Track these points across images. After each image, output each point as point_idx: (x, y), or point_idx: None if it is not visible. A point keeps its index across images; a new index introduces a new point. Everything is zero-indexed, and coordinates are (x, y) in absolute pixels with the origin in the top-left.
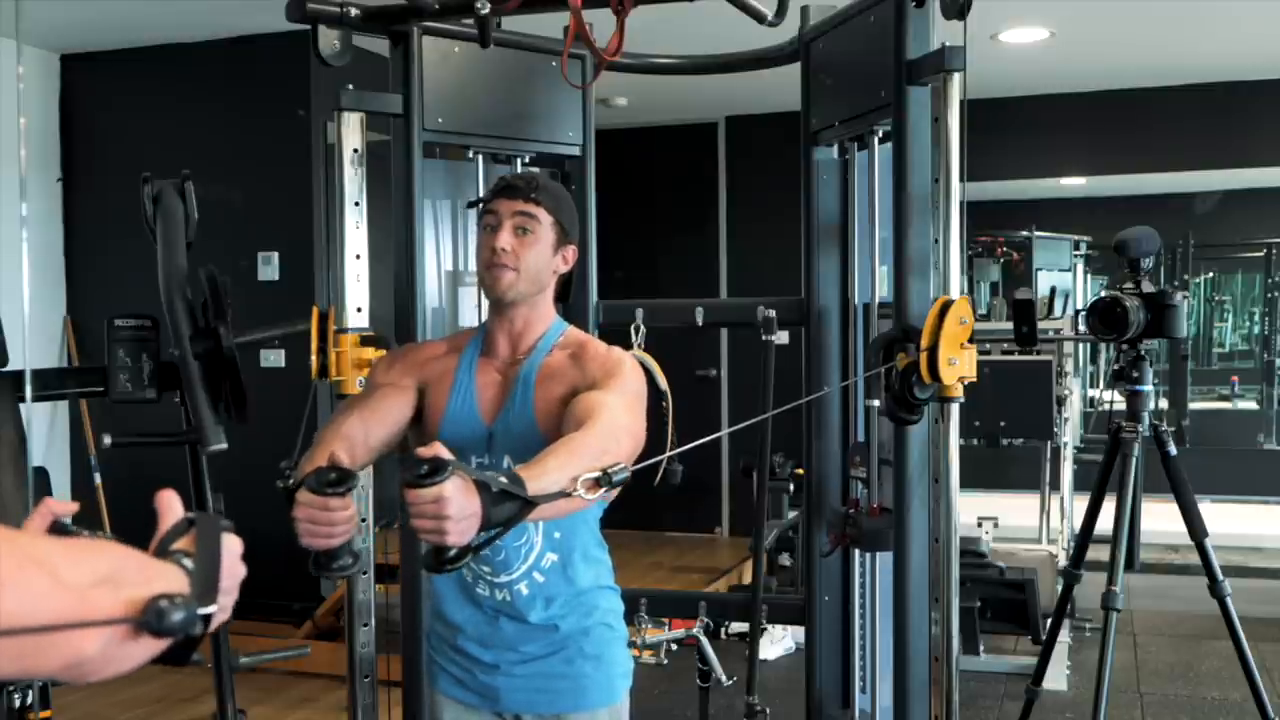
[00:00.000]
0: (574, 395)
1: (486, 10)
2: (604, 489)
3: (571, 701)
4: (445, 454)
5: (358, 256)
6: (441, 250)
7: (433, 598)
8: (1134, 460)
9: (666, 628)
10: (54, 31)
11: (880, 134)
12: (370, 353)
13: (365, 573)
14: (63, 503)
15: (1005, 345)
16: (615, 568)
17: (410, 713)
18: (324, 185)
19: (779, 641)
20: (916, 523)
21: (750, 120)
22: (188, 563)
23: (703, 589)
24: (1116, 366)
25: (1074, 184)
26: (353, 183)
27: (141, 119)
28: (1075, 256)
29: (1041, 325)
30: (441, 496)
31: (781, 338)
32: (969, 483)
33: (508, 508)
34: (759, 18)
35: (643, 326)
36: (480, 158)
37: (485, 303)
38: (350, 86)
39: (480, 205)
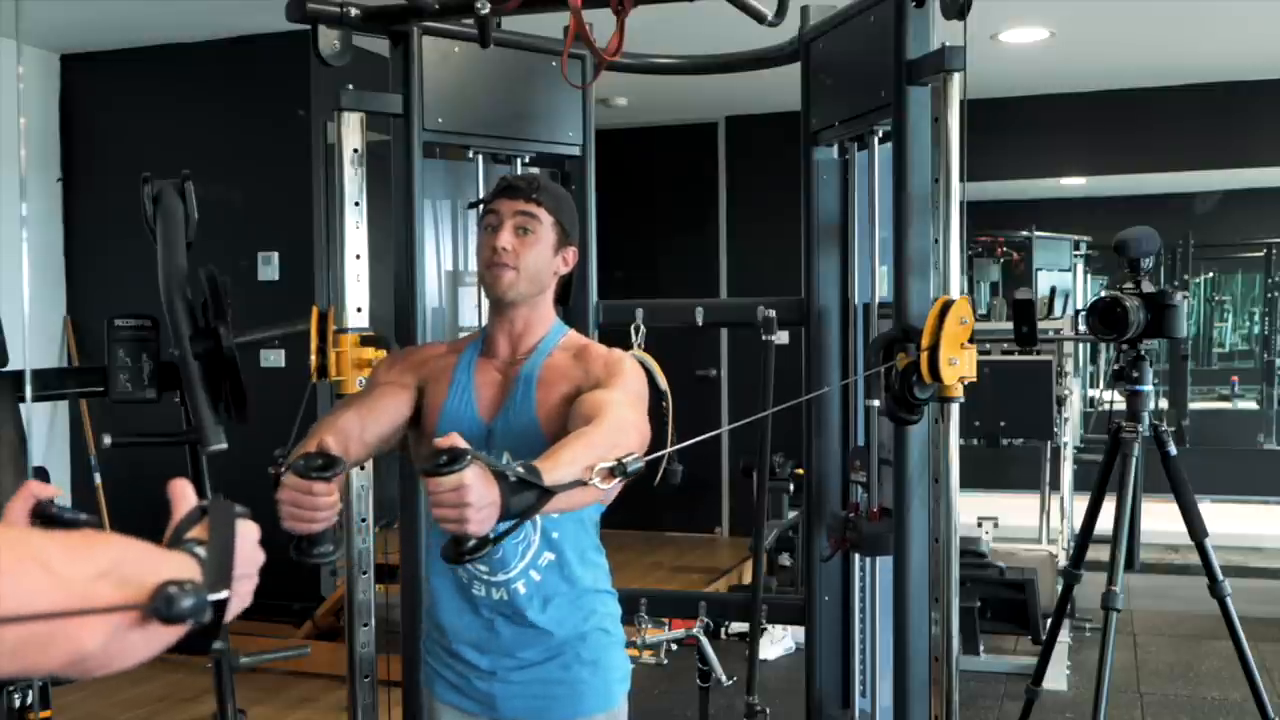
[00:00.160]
0: (577, 395)
1: (486, 10)
2: (618, 478)
3: (569, 708)
4: (462, 444)
5: (358, 256)
6: (441, 250)
7: (428, 602)
8: (1134, 460)
9: (666, 628)
10: (54, 31)
11: (880, 134)
12: (370, 353)
13: (365, 572)
14: (45, 485)
15: (1005, 345)
16: (615, 568)
17: (410, 713)
18: (324, 185)
19: (779, 641)
20: (916, 523)
21: (750, 120)
22: (200, 550)
23: (703, 589)
24: (1116, 366)
25: (1074, 184)
26: (353, 183)
27: (141, 119)
28: (1075, 256)
29: (1041, 325)
30: (463, 484)
31: (781, 338)
32: (969, 483)
33: (526, 497)
34: (759, 18)
35: (643, 326)
36: (480, 158)
37: (485, 303)
38: (350, 86)
39: (481, 205)
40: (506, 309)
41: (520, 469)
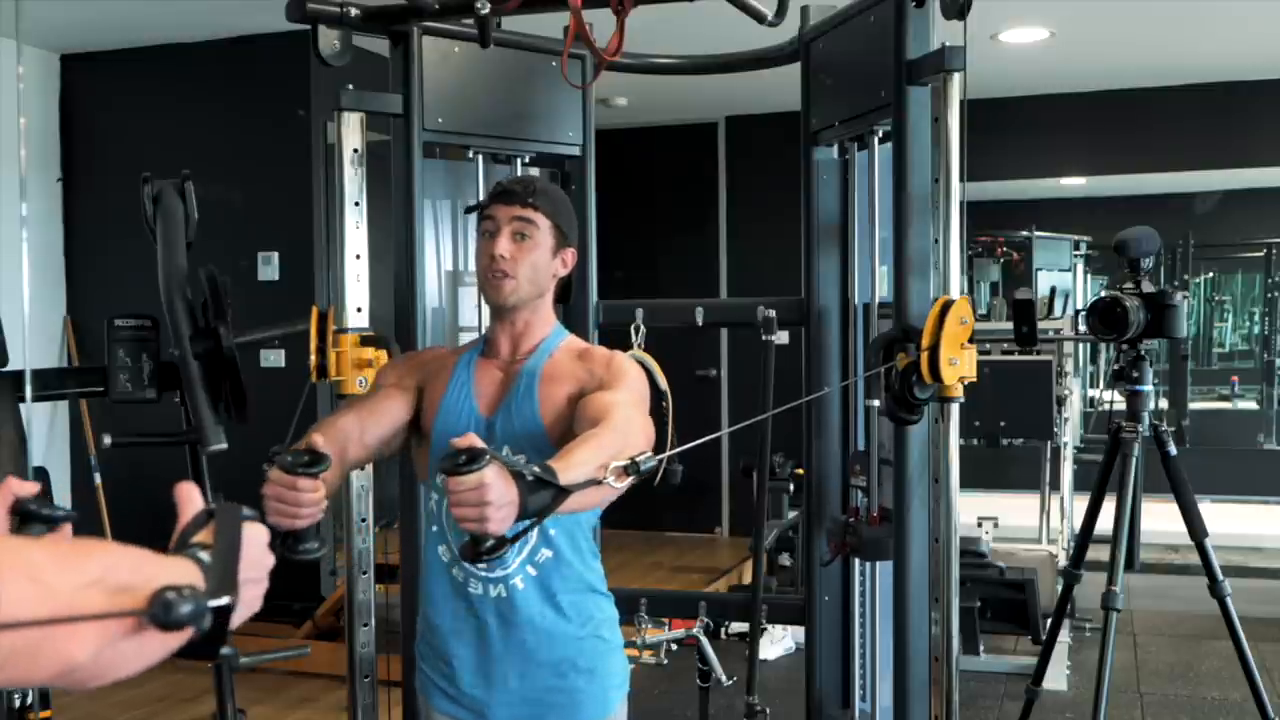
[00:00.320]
0: (581, 396)
1: (486, 10)
2: (632, 477)
3: (565, 717)
4: (480, 443)
5: (358, 256)
6: (441, 250)
7: (422, 605)
8: (1134, 460)
9: (666, 628)
10: (54, 31)
11: (880, 134)
12: (370, 353)
13: (365, 572)
14: (24, 483)
15: (1005, 345)
16: (615, 568)
17: (410, 713)
18: (324, 185)
19: (779, 641)
20: (916, 523)
21: (750, 120)
22: (204, 555)
23: (703, 589)
24: (1116, 366)
25: (1074, 184)
26: (353, 183)
27: (141, 119)
28: (1075, 256)
29: (1041, 325)
30: (483, 483)
31: (781, 338)
32: (969, 483)
33: (543, 496)
34: (759, 18)
35: (643, 326)
36: (480, 158)
37: (485, 305)
38: (350, 86)
39: (478, 210)
40: (507, 313)
41: (536, 468)
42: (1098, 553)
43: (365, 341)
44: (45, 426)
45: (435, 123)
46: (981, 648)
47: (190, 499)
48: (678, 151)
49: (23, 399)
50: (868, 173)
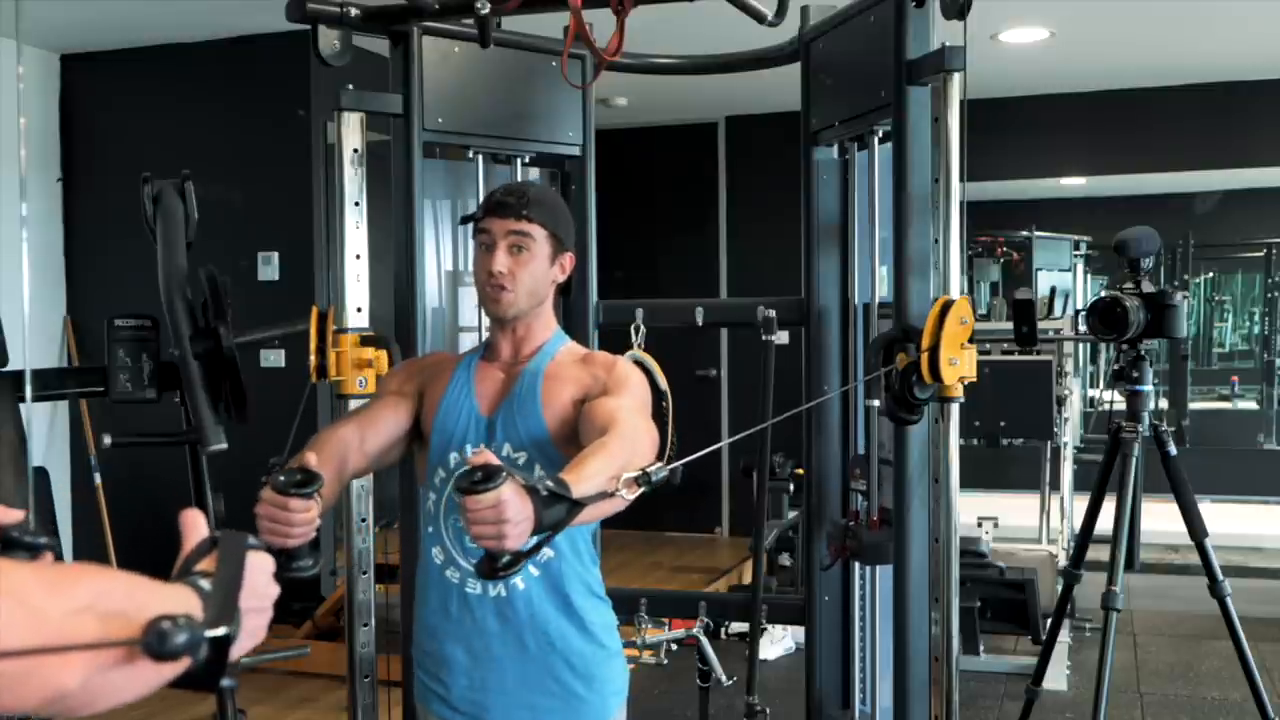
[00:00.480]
0: (584, 398)
1: (486, 10)
2: (643, 488)
3: None
4: (494, 460)
5: (358, 256)
6: (441, 250)
7: (417, 609)
8: (1134, 460)
9: (666, 628)
10: (54, 31)
11: (880, 134)
12: (370, 353)
13: (365, 572)
14: (9, 510)
15: (1005, 345)
16: (615, 568)
17: (410, 713)
18: (324, 185)
19: (779, 641)
20: (916, 523)
21: (750, 120)
22: (204, 584)
23: (703, 589)
24: (1116, 366)
25: (1074, 184)
26: (353, 183)
27: (141, 119)
28: (1075, 256)
29: (1041, 325)
30: (500, 500)
31: (781, 338)
32: (969, 483)
33: (557, 510)
34: (759, 18)
35: (643, 326)
36: (480, 158)
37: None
38: (350, 86)
39: (473, 222)
40: (508, 323)
41: (550, 483)
42: (1098, 553)
43: (365, 341)
44: (45, 426)
45: (435, 123)
46: (981, 648)
47: (195, 526)
48: (678, 151)
49: (23, 399)
50: (868, 173)
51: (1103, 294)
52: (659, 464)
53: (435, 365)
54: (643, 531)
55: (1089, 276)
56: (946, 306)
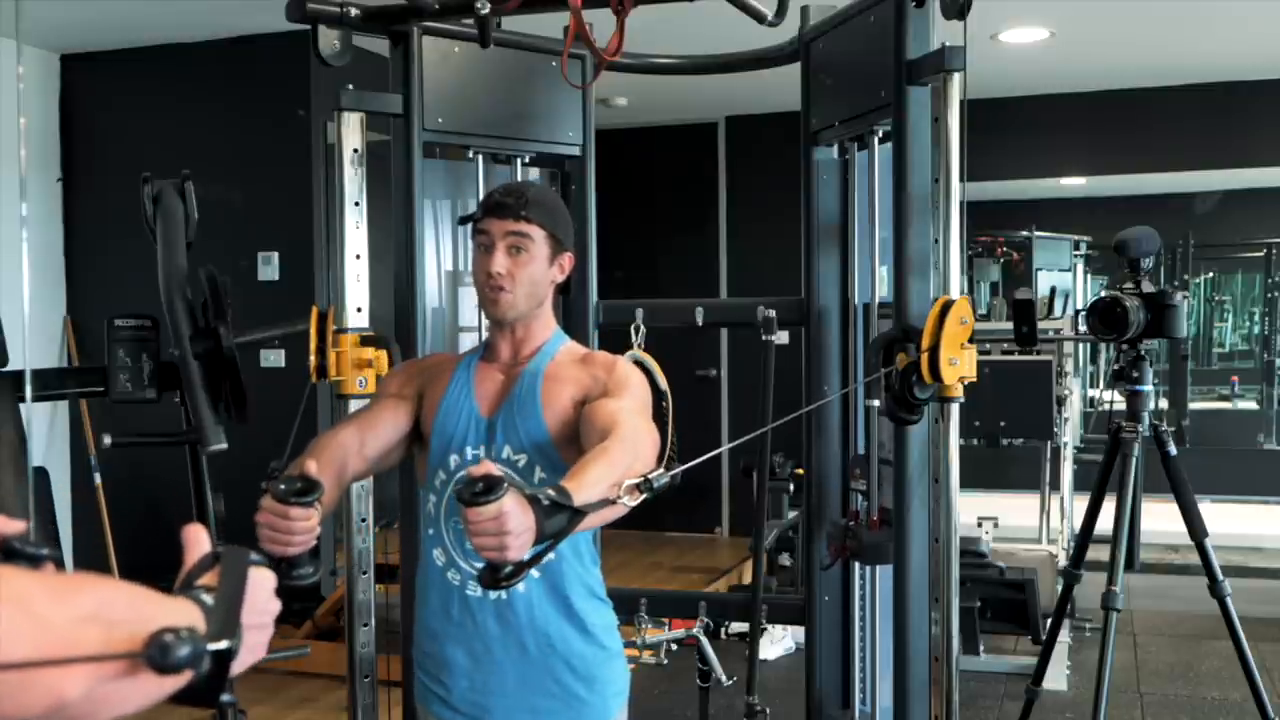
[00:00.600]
0: (585, 399)
1: (486, 10)
2: (644, 495)
3: None
4: (496, 471)
5: (358, 256)
6: (441, 250)
7: (418, 610)
8: (1134, 460)
9: (666, 628)
10: (54, 31)
11: (880, 134)
12: (370, 353)
13: (365, 572)
14: (10, 521)
15: (1005, 345)
16: (615, 568)
17: (410, 713)
18: (324, 185)
19: (779, 641)
20: (916, 523)
21: (750, 120)
22: (207, 598)
23: (703, 589)
24: (1116, 366)
25: (1074, 184)
26: (353, 183)
27: (141, 119)
28: (1075, 256)
29: (1041, 325)
30: (502, 513)
31: (781, 338)
32: (969, 483)
33: (559, 519)
34: (759, 18)
35: (643, 326)
36: (480, 158)
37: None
38: (350, 86)
39: (471, 222)
40: (507, 324)
41: (552, 492)
42: (1098, 553)
43: (365, 341)
44: (45, 426)
45: (435, 123)
46: (981, 648)
47: (197, 541)
48: (678, 151)
49: (23, 399)
50: (868, 173)
51: (1103, 294)
52: (660, 470)
53: (435, 366)
54: (643, 531)
55: (1089, 276)
56: (946, 306)
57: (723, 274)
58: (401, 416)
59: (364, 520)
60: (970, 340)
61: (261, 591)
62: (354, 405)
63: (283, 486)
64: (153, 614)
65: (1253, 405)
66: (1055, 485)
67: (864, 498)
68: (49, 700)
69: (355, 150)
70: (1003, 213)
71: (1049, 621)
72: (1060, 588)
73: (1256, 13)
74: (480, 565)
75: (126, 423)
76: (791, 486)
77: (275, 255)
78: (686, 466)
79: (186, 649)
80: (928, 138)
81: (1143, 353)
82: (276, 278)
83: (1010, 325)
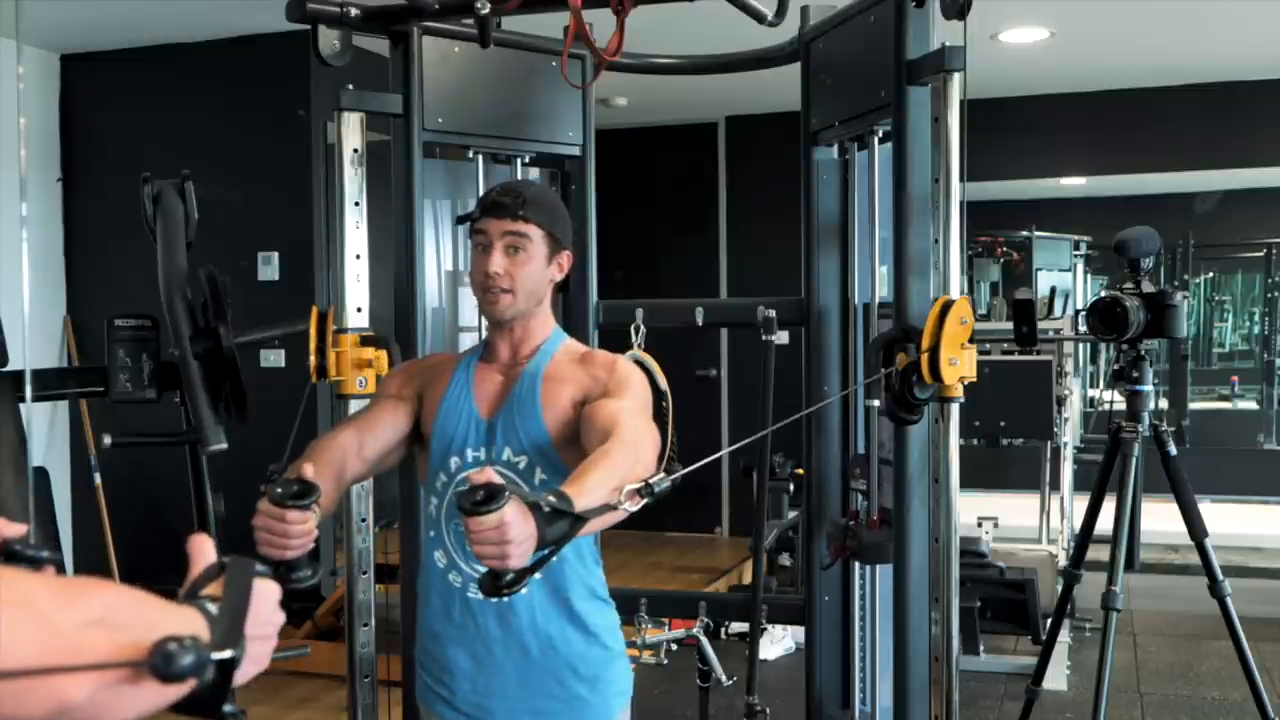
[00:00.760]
0: (585, 400)
1: (486, 10)
2: (645, 499)
3: None
4: (497, 479)
5: (358, 256)
6: (441, 250)
7: (420, 610)
8: (1134, 460)
9: (666, 628)
10: (54, 31)
11: (880, 134)
12: (370, 353)
13: (365, 572)
14: (11, 524)
15: (1005, 345)
16: (615, 568)
17: (410, 713)
18: (324, 185)
19: (779, 641)
20: (916, 523)
21: (750, 120)
22: (211, 607)
23: (703, 589)
24: (1116, 366)
25: (1074, 184)
26: (353, 183)
27: (141, 119)
28: (1075, 256)
29: (1041, 325)
30: (504, 521)
31: (781, 338)
32: (969, 483)
33: (560, 526)
34: (759, 18)
35: (643, 326)
36: (480, 158)
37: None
38: (350, 86)
39: (469, 222)
40: (506, 323)
41: (553, 499)
42: (1098, 553)
43: (365, 341)
44: (45, 426)
45: (435, 123)
46: (981, 648)
47: (203, 552)
48: (678, 151)
49: (23, 399)
50: (868, 173)
51: (1103, 294)
52: (661, 474)
53: (434, 367)
54: (643, 531)
55: (1089, 276)
56: (946, 306)
57: (723, 274)
58: (401, 417)
59: (364, 520)
60: (970, 340)
61: (266, 603)
62: (354, 405)
63: (279, 490)
64: (157, 621)
65: (1253, 405)
66: (1055, 485)
67: (864, 498)
68: (52, 703)
69: (355, 150)
70: (1003, 213)
71: (1049, 621)
72: (1060, 588)
73: (1256, 13)
74: (482, 569)
75: (126, 423)
76: (791, 486)
77: (275, 255)
78: (687, 471)
79: (190, 658)
80: (928, 138)
81: (1143, 353)
82: (276, 278)
83: (1010, 325)
